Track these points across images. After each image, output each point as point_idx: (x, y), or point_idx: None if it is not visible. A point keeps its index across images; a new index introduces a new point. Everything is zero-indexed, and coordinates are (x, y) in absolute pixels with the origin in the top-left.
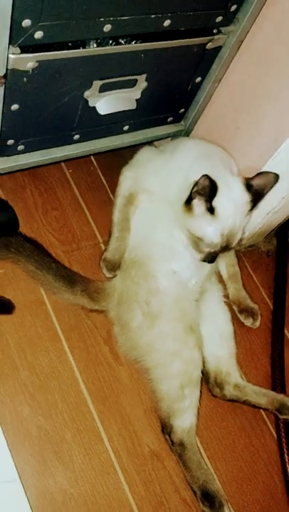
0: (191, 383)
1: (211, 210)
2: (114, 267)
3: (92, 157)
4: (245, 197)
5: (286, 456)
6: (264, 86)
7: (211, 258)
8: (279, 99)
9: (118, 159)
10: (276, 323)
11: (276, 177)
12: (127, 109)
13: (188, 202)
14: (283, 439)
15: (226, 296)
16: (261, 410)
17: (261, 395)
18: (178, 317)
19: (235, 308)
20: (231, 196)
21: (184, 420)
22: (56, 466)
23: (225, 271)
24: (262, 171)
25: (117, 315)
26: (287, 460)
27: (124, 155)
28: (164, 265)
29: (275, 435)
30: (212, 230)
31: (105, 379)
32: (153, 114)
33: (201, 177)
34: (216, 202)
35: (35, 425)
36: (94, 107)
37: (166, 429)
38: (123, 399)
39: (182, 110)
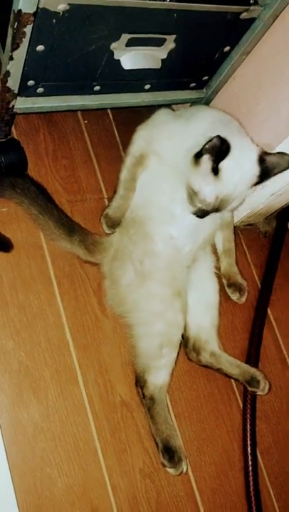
0: (170, 344)
1: (215, 171)
2: (115, 224)
3: (109, 111)
4: (255, 169)
5: (248, 426)
6: None
7: (201, 213)
8: None
9: (135, 117)
10: (261, 302)
11: None
12: (151, 67)
13: (198, 156)
14: (248, 410)
15: (218, 268)
16: (232, 380)
17: (235, 366)
18: (168, 281)
19: (224, 281)
20: (240, 163)
21: (158, 377)
22: (31, 400)
23: (221, 245)
24: (277, 151)
25: (110, 270)
26: (248, 429)
27: (141, 114)
28: (162, 228)
29: (241, 405)
30: (209, 190)
31: (89, 328)
32: (176, 77)
33: (215, 136)
34: (223, 165)
35: (17, 360)
36: (118, 60)
37: (139, 382)
38: (103, 349)
39: (206, 77)
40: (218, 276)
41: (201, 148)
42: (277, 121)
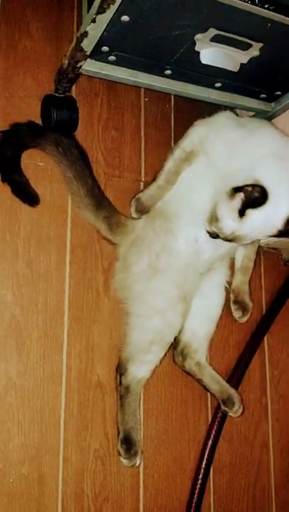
0: (160, 343)
1: (241, 213)
2: (144, 210)
3: (172, 96)
4: (279, 225)
5: (210, 441)
6: None
7: (213, 236)
8: None
9: (196, 110)
10: (260, 327)
11: None
12: (229, 68)
13: (236, 190)
14: (214, 427)
15: (229, 283)
16: (208, 394)
17: (215, 382)
18: (178, 282)
19: (232, 296)
20: (267, 217)
21: (139, 370)
22: (12, 355)
23: (240, 261)
24: None
25: (125, 254)
26: (209, 444)
27: (203, 109)
28: (189, 229)
29: (209, 420)
30: (229, 224)
31: (88, 303)
32: (250, 84)
33: (257, 187)
34: (251, 212)
35: (11, 313)
36: (198, 52)
37: (120, 369)
38: (96, 327)
39: (278, 92)
40: (227, 291)
41: (241, 187)
42: None
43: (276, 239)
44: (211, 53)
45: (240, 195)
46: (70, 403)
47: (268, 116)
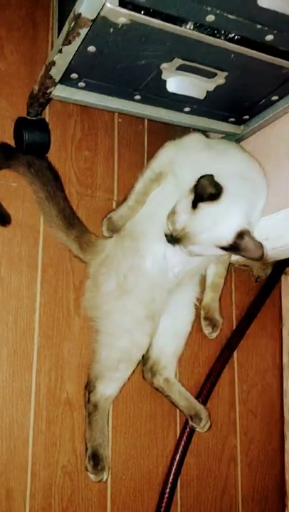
0: (128, 361)
1: (194, 205)
2: (114, 229)
3: (145, 119)
4: (228, 237)
5: (178, 456)
6: None
7: (168, 236)
8: None
9: (168, 132)
10: (230, 343)
11: (260, 258)
12: (195, 96)
13: (195, 186)
14: (182, 442)
15: (200, 300)
16: (177, 410)
17: (184, 398)
18: (146, 301)
19: (202, 313)
20: (217, 218)
21: (107, 388)
22: None
23: (211, 278)
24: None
25: (95, 273)
26: (176, 459)
27: (176, 130)
28: (158, 246)
29: (177, 435)
30: (182, 217)
31: (59, 321)
32: (218, 109)
33: (211, 178)
34: (202, 206)
35: None
36: (165, 81)
37: (89, 386)
38: (66, 345)
39: (246, 117)
40: (197, 307)
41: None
42: None
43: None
44: (177, 82)
45: (194, 188)
46: (39, 420)
47: (238, 139)
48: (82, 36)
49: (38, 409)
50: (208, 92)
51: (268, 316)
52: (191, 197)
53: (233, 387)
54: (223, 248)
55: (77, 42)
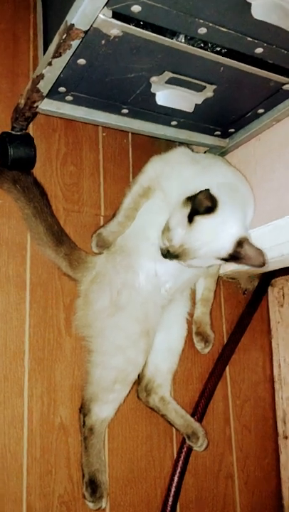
0: (124, 381)
1: (190, 219)
2: (104, 245)
3: (129, 132)
4: (228, 247)
5: (176, 477)
6: None
7: (164, 253)
8: None
9: (153, 145)
10: (222, 358)
11: (262, 265)
12: (184, 109)
13: (189, 199)
14: (180, 462)
15: (191, 314)
16: (173, 429)
17: (180, 416)
18: (140, 318)
19: (193, 327)
20: (216, 230)
21: (103, 410)
22: None
23: (200, 292)
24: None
25: (87, 291)
26: (175, 481)
27: (160, 144)
28: (148, 263)
29: (174, 455)
30: (179, 233)
31: (50, 342)
32: (204, 122)
33: (206, 191)
34: (199, 220)
35: None
36: (154, 94)
37: (83, 409)
38: (58, 367)
39: (232, 130)
40: (189, 323)
41: (195, 194)
42: (284, 196)
43: (233, 267)
44: (166, 95)
45: (191, 203)
46: (33, 448)
47: (222, 152)
48: (73, 48)
49: (32, 436)
50: (196, 105)
51: (257, 328)
52: (185, 211)
53: (226, 402)
54: (224, 259)
55: (68, 54)
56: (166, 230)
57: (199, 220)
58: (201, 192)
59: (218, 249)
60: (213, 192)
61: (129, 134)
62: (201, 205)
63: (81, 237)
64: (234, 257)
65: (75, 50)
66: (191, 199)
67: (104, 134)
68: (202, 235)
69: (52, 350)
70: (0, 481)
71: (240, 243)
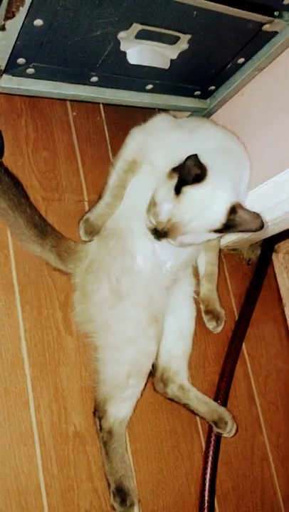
0: (138, 374)
1: (177, 191)
2: (94, 231)
3: (101, 107)
4: (220, 216)
5: (208, 469)
6: None
7: (152, 232)
8: None
9: (128, 119)
10: (236, 335)
11: (260, 228)
12: (158, 66)
13: (174, 169)
14: (210, 452)
15: (197, 292)
16: (197, 417)
17: (203, 403)
18: (145, 304)
19: (202, 307)
20: (207, 200)
21: (120, 409)
22: None
23: (203, 267)
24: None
25: (82, 282)
26: (208, 473)
27: (136, 116)
28: (144, 243)
29: (203, 446)
30: (165, 207)
31: (50, 345)
32: (182, 82)
33: (196, 158)
34: (188, 190)
35: None
36: (124, 53)
37: (98, 412)
38: (63, 370)
39: (212, 88)
40: (196, 301)
41: (180, 163)
42: (282, 148)
43: (233, 237)
44: (137, 52)
45: (175, 172)
46: (48, 464)
47: (205, 114)
48: (27, 5)
49: (45, 452)
50: (171, 60)
51: (267, 298)
52: (171, 183)
53: (248, 380)
54: (218, 230)
55: (21, 14)
56: (152, 205)
57: (188, 190)
58: (187, 159)
59: (211, 220)
60: (202, 157)
61: (102, 110)
62: (189, 173)
63: (66, 226)
64: (228, 225)
65: (30, 8)
66: (177, 169)
67: (74, 114)
68: (192, 206)
69: (53, 354)
70: (17, 507)
71: (233, 209)
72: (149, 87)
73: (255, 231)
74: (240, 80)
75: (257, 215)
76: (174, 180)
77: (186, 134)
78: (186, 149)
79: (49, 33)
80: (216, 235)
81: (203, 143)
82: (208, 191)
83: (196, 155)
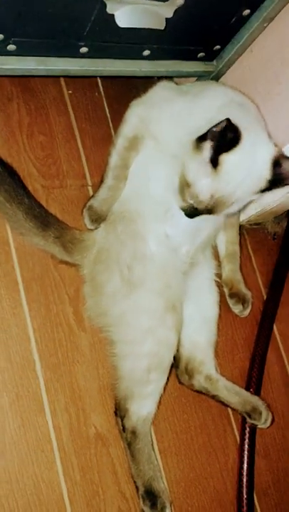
0: (159, 368)
1: (214, 162)
2: (100, 218)
3: (99, 81)
4: (266, 173)
5: (245, 464)
6: None
7: (191, 212)
8: None
9: (130, 91)
10: (266, 316)
11: None
12: (153, 27)
13: (201, 139)
14: (246, 445)
15: (219, 275)
16: (229, 409)
17: (233, 393)
18: (161, 291)
19: (225, 290)
20: (249, 162)
21: (142, 407)
22: None
23: (224, 247)
24: None
25: (92, 273)
26: (245, 468)
27: (138, 87)
28: (156, 226)
29: (238, 439)
30: (204, 184)
31: (62, 343)
32: (182, 44)
33: (225, 119)
34: (227, 158)
35: None
36: (112, 16)
37: (120, 411)
38: (78, 369)
39: (217, 47)
40: (219, 285)
41: (206, 131)
42: None
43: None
44: (127, 13)
45: (207, 142)
46: (70, 470)
47: (212, 78)
48: None
49: (65, 457)
50: (167, 20)
51: None
52: (200, 156)
53: (282, 364)
54: (266, 189)
55: None
56: (185, 186)
57: (226, 158)
58: (217, 124)
59: (257, 181)
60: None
61: (100, 85)
62: (225, 139)
63: (70, 215)
64: (276, 181)
65: None
66: (204, 138)
67: (70, 92)
68: (235, 174)
69: (67, 352)
70: None
71: (277, 162)
72: (146, 53)
73: None
74: (248, 35)
75: None
76: (204, 153)
77: (192, 99)
78: (196, 115)
79: (26, 1)
80: (263, 195)
81: (212, 104)
82: (247, 152)
83: (227, 119)
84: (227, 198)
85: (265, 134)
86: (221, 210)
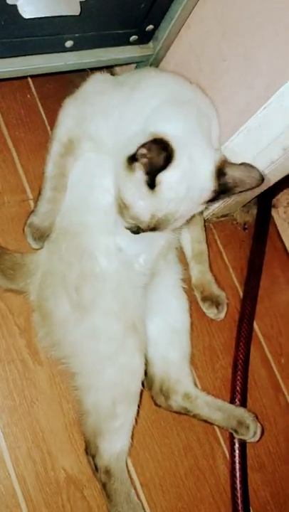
0: (126, 398)
1: (151, 185)
2: (43, 235)
3: (30, 82)
4: (209, 184)
5: (238, 482)
6: (267, 4)
7: (135, 230)
8: (286, 22)
9: (66, 87)
10: (244, 315)
11: (260, 180)
12: (66, 14)
13: (132, 159)
14: (237, 464)
15: (187, 279)
16: (215, 426)
17: (216, 409)
18: (117, 311)
19: (197, 294)
20: (188, 176)
21: (114, 443)
22: None
23: (189, 248)
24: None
25: (38, 301)
26: (238, 487)
27: (75, 82)
28: (105, 239)
29: (227, 456)
30: (142, 206)
31: (16, 382)
32: (107, 28)
33: (154, 140)
34: (163, 177)
35: None
36: (14, 6)
37: (90, 450)
38: (38, 409)
39: (150, 27)
40: (188, 290)
41: (135, 152)
42: (251, 80)
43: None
44: (31, 2)
45: (137, 164)
46: None
47: (152, 63)
48: None
49: (34, 510)
50: (82, 3)
51: (274, 264)
52: (135, 177)
53: (268, 366)
54: (212, 200)
55: None
56: (124, 208)
57: (163, 177)
58: (145, 144)
59: (200, 194)
60: (154, 119)
61: (32, 86)
62: (156, 160)
63: (11, 235)
64: (223, 190)
65: None
66: (135, 158)
67: None
68: (174, 192)
69: (23, 392)
70: None
71: (221, 171)
72: (69, 43)
73: (257, 185)
74: (182, 8)
75: (250, 167)
76: (138, 172)
77: (128, 92)
78: (133, 109)
79: None
80: (211, 204)
81: (150, 98)
82: (185, 166)
83: (155, 139)
84: (170, 215)
85: (205, 140)
86: (166, 227)
